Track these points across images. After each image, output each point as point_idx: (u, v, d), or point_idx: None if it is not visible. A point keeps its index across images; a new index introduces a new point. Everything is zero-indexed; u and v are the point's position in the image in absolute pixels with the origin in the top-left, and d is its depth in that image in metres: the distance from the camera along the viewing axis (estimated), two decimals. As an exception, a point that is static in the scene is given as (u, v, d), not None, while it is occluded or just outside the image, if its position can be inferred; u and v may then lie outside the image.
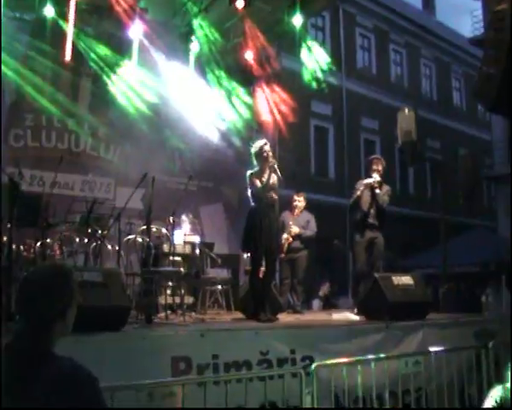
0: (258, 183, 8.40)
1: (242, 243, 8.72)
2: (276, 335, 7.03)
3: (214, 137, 13.33)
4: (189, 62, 12.82)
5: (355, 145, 26.56)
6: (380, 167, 10.14)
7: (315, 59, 12.49)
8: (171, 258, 10.25)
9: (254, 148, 8.61)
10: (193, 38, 12.58)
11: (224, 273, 11.50)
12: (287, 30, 12.54)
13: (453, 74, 33.65)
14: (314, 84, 12.72)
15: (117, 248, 9.56)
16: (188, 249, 10.81)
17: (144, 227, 9.30)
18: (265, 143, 8.62)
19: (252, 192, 8.50)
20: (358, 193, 10.01)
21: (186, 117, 13.06)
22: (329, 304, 14.45)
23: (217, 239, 12.66)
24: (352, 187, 10.65)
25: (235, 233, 11.91)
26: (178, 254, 10.44)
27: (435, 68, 32.34)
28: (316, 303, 14.76)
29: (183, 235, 10.82)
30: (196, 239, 11.17)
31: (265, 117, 13.28)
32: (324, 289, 15.32)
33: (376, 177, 10.01)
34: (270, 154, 8.55)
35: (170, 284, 9.77)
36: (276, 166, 8.46)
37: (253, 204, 8.52)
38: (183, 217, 11.01)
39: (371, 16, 28.30)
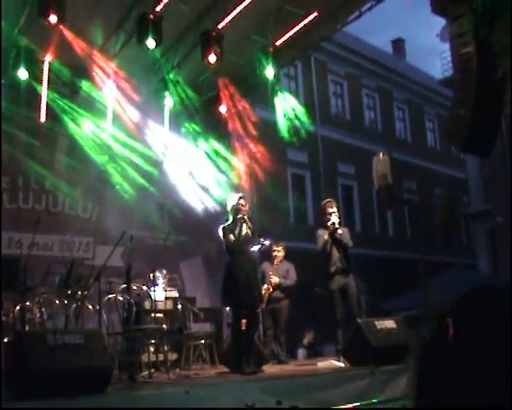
0: (231, 236, 8.46)
1: (222, 298, 8.73)
2: (262, 386, 6.98)
3: (191, 192, 13.40)
4: (164, 118, 12.99)
5: (333, 191, 26.73)
6: (335, 209, 10.17)
7: (289, 109, 12.72)
8: (152, 315, 10.23)
9: (228, 201, 8.71)
10: (166, 94, 12.75)
11: (206, 327, 11.49)
12: (260, 81, 12.75)
13: (426, 115, 34.16)
14: (289, 134, 12.92)
15: (98, 307, 9.53)
16: (169, 305, 10.84)
17: (124, 285, 9.25)
18: (240, 197, 8.71)
19: (226, 246, 8.55)
20: (324, 239, 9.99)
21: (163, 173, 13.19)
22: (314, 352, 14.43)
23: (198, 293, 12.67)
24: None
25: (216, 286, 11.85)
26: (160, 311, 10.45)
27: (408, 110, 32.82)
28: (301, 352, 14.73)
29: (164, 291, 10.82)
30: (176, 294, 11.19)
31: (242, 169, 13.41)
32: (309, 338, 15.31)
33: (335, 219, 10.02)
34: (244, 207, 8.62)
35: (153, 341, 9.72)
36: (247, 218, 8.53)
37: (228, 258, 8.57)
38: (158, 273, 10.96)
39: (342, 63, 28.77)
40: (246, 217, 8.47)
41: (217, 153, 13.70)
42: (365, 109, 30.48)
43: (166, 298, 10.88)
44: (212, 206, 13.38)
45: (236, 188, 12.64)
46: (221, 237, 8.54)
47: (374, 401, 6.85)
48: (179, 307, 10.81)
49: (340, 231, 9.89)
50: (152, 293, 10.19)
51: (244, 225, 8.45)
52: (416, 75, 33.80)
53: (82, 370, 6.02)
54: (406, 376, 7.42)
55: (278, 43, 12.24)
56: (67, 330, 8.21)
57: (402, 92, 32.38)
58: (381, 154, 13.30)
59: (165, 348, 9.73)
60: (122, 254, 11.48)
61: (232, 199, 8.71)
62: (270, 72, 12.28)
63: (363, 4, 11.79)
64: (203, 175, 13.60)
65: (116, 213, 12.54)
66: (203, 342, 10.74)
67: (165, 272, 11.03)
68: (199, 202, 13.38)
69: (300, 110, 12.97)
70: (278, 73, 12.77)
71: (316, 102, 26.84)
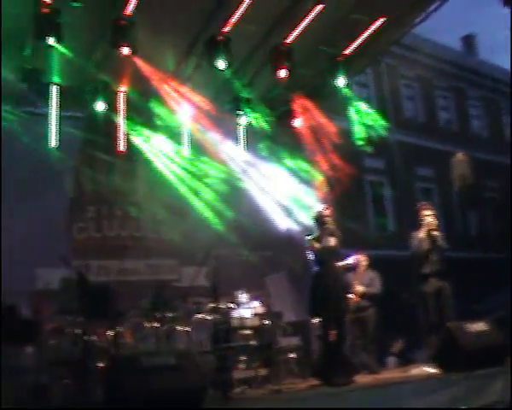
0: (317, 246, 8.47)
1: (309, 308, 8.74)
2: (355, 397, 6.96)
3: (271, 208, 13.46)
4: (239, 137, 13.15)
5: (412, 195, 26.39)
6: (430, 212, 10.06)
7: (363, 116, 12.67)
8: (241, 332, 10.32)
9: (314, 213, 8.72)
10: (240, 112, 12.89)
11: (295, 341, 11.45)
12: (332, 92, 12.72)
13: (503, 111, 33.27)
14: (365, 142, 12.84)
15: (186, 328, 9.70)
16: (257, 321, 10.87)
17: (213, 305, 9.37)
18: (325, 208, 8.72)
19: (312, 257, 8.56)
20: (417, 242, 9.91)
21: (242, 191, 13.33)
22: (405, 359, 14.18)
23: (284, 308, 12.66)
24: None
25: (302, 300, 11.86)
26: (248, 328, 10.52)
27: (483, 107, 32.06)
28: (390, 360, 14.50)
29: (251, 307, 10.90)
30: (264, 310, 11.24)
31: (322, 181, 13.39)
32: (398, 345, 15.08)
33: (430, 220, 9.91)
34: (328, 217, 8.63)
35: (243, 358, 9.79)
36: (334, 229, 8.53)
37: (315, 269, 8.57)
38: (243, 290, 11.06)
39: (413, 65, 28.31)
40: (331, 228, 8.47)
41: (294, 167, 13.72)
42: (439, 110, 29.95)
43: (254, 314, 10.92)
44: (293, 220, 13.39)
45: (317, 200, 12.61)
46: (307, 248, 8.57)
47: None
48: (267, 322, 10.82)
49: (435, 233, 9.75)
50: (239, 310, 10.31)
51: (329, 236, 8.46)
52: (490, 71, 32.94)
53: (177, 390, 6.12)
54: (502, 379, 7.28)
55: (347, 51, 12.18)
56: (160, 351, 8.36)
57: (476, 90, 31.67)
58: (459, 154, 13.18)
59: (255, 364, 9.79)
60: (207, 273, 11.63)
61: (316, 211, 8.73)
62: (341, 81, 12.25)
63: (431, 4, 11.62)
64: (282, 190, 13.64)
65: (198, 233, 12.70)
66: (292, 356, 10.75)
67: (250, 288, 11.11)
68: (280, 217, 13.43)
69: (375, 117, 12.87)
70: (350, 82, 12.64)
71: (389, 107, 26.53)
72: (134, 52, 10.47)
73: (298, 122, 13.36)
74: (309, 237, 8.65)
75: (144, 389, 6.00)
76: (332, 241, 8.51)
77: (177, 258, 13.32)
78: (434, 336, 9.58)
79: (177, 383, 6.23)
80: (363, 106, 12.94)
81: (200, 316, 9.76)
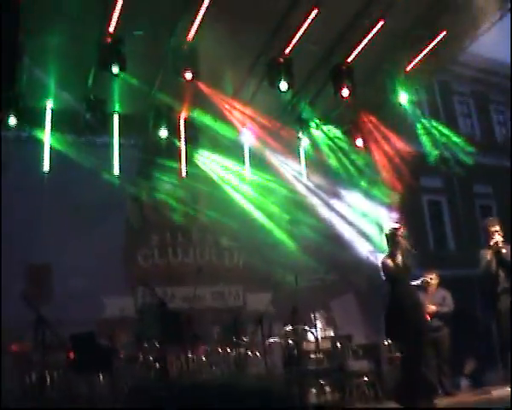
0: (391, 265, 8.23)
1: (386, 330, 8.48)
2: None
3: (341, 228, 13.33)
4: (301, 157, 13.08)
5: (471, 213, 25.87)
6: (497, 228, 9.75)
7: (435, 135, 12.50)
8: (312, 355, 10.15)
9: (387, 231, 8.48)
10: (302, 132, 12.82)
11: (365, 364, 11.20)
12: (393, 109, 12.57)
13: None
14: (437, 161, 12.64)
15: (257, 353, 9.59)
16: (326, 345, 10.68)
17: (287, 328, 9.24)
18: (398, 227, 8.49)
19: (386, 275, 8.32)
20: (487, 259, 9.61)
21: (309, 212, 13.25)
22: (476, 381, 13.75)
23: (352, 330, 12.42)
24: (473, 256, 10.26)
25: (369, 321, 11.69)
26: (320, 351, 10.35)
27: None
28: (463, 382, 14.07)
29: (320, 331, 10.73)
30: (332, 334, 11.05)
31: (394, 197, 13.22)
32: (470, 366, 14.64)
33: (498, 237, 9.61)
34: (403, 235, 8.40)
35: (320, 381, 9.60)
36: (408, 246, 8.30)
37: (390, 288, 8.33)
38: (315, 314, 10.90)
39: (467, 81, 27.88)
40: (405, 245, 8.24)
41: (364, 186, 13.59)
42: (496, 125, 29.35)
43: (323, 338, 10.74)
44: (362, 239, 13.23)
45: (388, 219, 12.40)
46: (381, 267, 8.34)
47: None
48: (338, 345, 10.61)
49: (504, 250, 9.44)
50: (310, 333, 10.17)
51: (403, 254, 8.22)
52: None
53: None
54: None
55: (408, 68, 12.02)
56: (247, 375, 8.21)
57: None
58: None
59: (327, 388, 9.60)
60: (272, 299, 11.56)
61: (389, 228, 8.50)
62: (403, 98, 12.10)
63: (493, 17, 11.37)
64: (351, 209, 13.51)
65: (261, 258, 12.61)
66: (365, 379, 10.50)
67: (322, 311, 10.94)
68: (349, 237, 13.28)
69: (448, 134, 12.70)
70: (412, 99, 12.46)
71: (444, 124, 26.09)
72: (196, 76, 10.47)
73: (360, 141, 13.22)
74: (382, 255, 8.40)
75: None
76: (406, 258, 8.26)
77: (241, 284, 13.18)
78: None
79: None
80: (433, 123, 12.75)
81: (272, 340, 9.60)
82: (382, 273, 8.33)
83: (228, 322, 9.58)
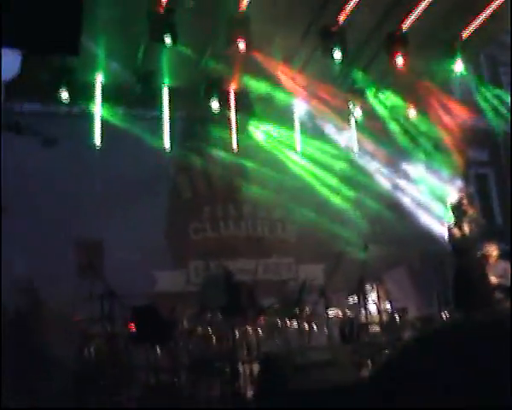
0: (458, 235, 8.05)
1: (455, 302, 8.31)
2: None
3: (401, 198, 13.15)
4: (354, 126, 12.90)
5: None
6: None
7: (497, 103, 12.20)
8: (370, 328, 10.03)
9: (452, 200, 8.30)
10: (356, 102, 12.62)
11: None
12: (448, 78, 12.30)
13: None
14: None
15: (314, 326, 9.50)
16: (384, 317, 10.52)
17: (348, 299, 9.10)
18: (463, 196, 8.30)
19: (453, 246, 8.15)
20: None
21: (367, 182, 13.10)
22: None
23: (406, 303, 12.25)
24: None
25: (422, 294, 11.52)
26: (376, 324, 10.21)
27: None
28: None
29: (377, 303, 10.56)
30: (388, 306, 10.88)
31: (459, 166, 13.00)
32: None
33: None
34: (467, 205, 8.21)
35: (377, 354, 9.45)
36: (475, 216, 8.12)
37: (456, 259, 8.15)
38: (368, 286, 10.74)
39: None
40: (472, 215, 8.05)
41: (422, 154, 13.35)
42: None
43: (380, 311, 10.57)
44: (418, 211, 13.03)
45: (451, 188, 12.18)
46: (447, 237, 8.16)
47: None
48: (396, 317, 10.44)
49: None
50: (368, 306, 10.04)
51: (471, 223, 8.03)
52: None
53: (337, 385, 5.83)
54: None
55: (464, 34, 11.70)
56: (312, 347, 8.12)
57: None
58: None
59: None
60: (325, 270, 11.42)
61: (454, 198, 8.31)
62: (459, 66, 11.79)
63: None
64: (409, 180, 13.32)
65: (316, 230, 12.48)
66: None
67: (375, 284, 10.77)
68: (409, 208, 13.09)
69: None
70: (468, 67, 12.14)
71: (490, 96, 25.60)
72: (250, 46, 10.30)
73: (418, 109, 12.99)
74: (448, 225, 8.22)
75: (305, 385, 5.74)
76: (473, 228, 8.07)
77: (293, 256, 13.05)
78: None
79: (336, 378, 5.93)
80: (493, 90, 12.46)
81: (331, 313, 9.48)
82: (449, 243, 8.17)
83: (286, 294, 9.44)
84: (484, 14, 11.32)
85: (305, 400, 5.65)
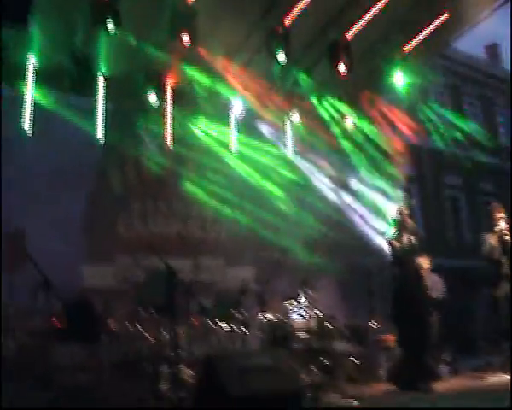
0: (398, 246, 8.07)
1: (391, 312, 8.33)
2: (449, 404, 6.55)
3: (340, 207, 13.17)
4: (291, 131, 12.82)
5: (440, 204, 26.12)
6: (503, 214, 9.72)
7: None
8: (299, 335, 9.94)
9: (392, 213, 8.36)
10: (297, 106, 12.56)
11: (352, 346, 11.02)
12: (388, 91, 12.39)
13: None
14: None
15: (244, 329, 9.34)
16: (312, 324, 10.46)
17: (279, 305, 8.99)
18: (402, 209, 8.35)
19: (393, 257, 8.17)
20: (491, 245, 9.58)
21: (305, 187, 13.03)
22: (453, 369, 13.70)
23: (336, 312, 12.25)
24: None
25: (352, 304, 11.59)
26: (305, 331, 10.13)
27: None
28: (443, 369, 14.01)
29: (306, 310, 10.50)
30: (318, 313, 10.83)
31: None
32: (447, 353, 14.57)
33: (503, 224, 9.59)
34: (409, 217, 8.26)
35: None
36: (414, 227, 8.15)
37: (395, 269, 8.17)
38: (302, 293, 10.67)
39: (442, 72, 27.88)
40: (411, 226, 8.08)
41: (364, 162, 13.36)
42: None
43: (309, 318, 10.51)
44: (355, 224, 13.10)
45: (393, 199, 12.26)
46: (387, 249, 8.18)
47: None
48: (326, 325, 10.39)
49: (507, 237, 9.37)
50: (297, 313, 9.96)
51: (410, 235, 8.06)
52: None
53: (277, 392, 5.67)
54: None
55: (406, 49, 11.81)
56: (254, 352, 7.92)
57: (503, 98, 31.19)
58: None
59: (313, 368, 9.36)
60: (256, 275, 11.31)
61: (396, 209, 8.34)
62: (399, 80, 11.90)
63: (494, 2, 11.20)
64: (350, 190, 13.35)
65: (248, 232, 12.34)
66: (353, 360, 10.32)
67: (307, 290, 10.70)
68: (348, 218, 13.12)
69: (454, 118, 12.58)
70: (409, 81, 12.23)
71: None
72: (194, 39, 10.04)
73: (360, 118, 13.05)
74: (388, 236, 8.23)
75: (245, 390, 5.54)
76: (413, 239, 8.10)
77: (222, 257, 12.85)
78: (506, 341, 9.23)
79: (277, 384, 5.77)
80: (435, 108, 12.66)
81: (265, 317, 9.34)
82: (389, 254, 8.19)
83: (221, 295, 9.25)
84: (426, 30, 11.44)
85: (247, 405, 5.48)
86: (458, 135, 13.10)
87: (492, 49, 35.59)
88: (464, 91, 29.31)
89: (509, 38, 11.49)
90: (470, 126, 13.06)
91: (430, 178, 25.94)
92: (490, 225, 9.89)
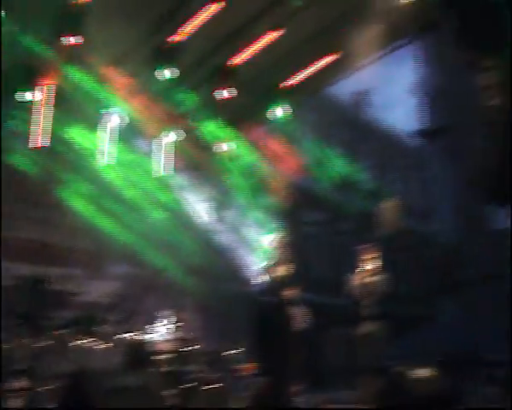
0: (271, 277, 8.15)
1: (257, 339, 8.35)
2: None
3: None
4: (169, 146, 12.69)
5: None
6: (372, 256, 10.02)
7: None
8: (158, 357, 9.76)
9: (267, 243, 8.45)
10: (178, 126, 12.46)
11: (211, 370, 10.93)
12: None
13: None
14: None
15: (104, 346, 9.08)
16: (171, 346, 10.32)
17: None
18: (277, 240, 8.46)
19: (264, 286, 8.23)
20: (353, 285, 9.86)
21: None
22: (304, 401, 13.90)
23: (199, 336, 12.16)
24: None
25: (217, 329, 11.55)
26: (163, 352, 9.97)
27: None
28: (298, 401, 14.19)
29: (166, 332, 10.36)
30: (179, 335, 10.70)
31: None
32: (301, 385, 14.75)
33: (368, 265, 9.91)
34: (282, 249, 8.36)
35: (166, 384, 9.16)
36: (287, 258, 8.24)
37: (265, 298, 8.24)
38: (167, 315, 10.53)
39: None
40: (284, 256, 8.18)
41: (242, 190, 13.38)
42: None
43: (167, 340, 10.37)
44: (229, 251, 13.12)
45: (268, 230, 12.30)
46: (259, 278, 8.24)
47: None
48: (184, 348, 10.27)
49: (371, 278, 9.68)
50: (155, 333, 9.82)
51: (282, 265, 8.17)
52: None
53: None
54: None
55: (291, 82, 12.03)
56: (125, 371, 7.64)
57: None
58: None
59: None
60: (126, 291, 11.10)
61: (272, 239, 8.42)
62: (279, 111, 12.10)
63: (385, 46, 11.58)
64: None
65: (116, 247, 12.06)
66: (212, 386, 10.22)
67: (172, 314, 10.56)
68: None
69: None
70: (288, 114, 12.43)
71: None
72: (82, 42, 9.78)
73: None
74: (263, 267, 8.28)
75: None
76: (285, 270, 8.19)
77: (93, 270, 12.45)
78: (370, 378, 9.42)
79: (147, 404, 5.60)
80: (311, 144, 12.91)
81: (128, 335, 9.10)
82: (260, 283, 8.23)
83: (84, 310, 8.91)
84: (312, 67, 11.68)
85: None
86: (334, 174, 13.26)
87: (361, 96, 37.01)
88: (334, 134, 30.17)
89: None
90: (345, 168, 13.28)
91: (298, 214, 26.51)
92: (353, 265, 10.11)
